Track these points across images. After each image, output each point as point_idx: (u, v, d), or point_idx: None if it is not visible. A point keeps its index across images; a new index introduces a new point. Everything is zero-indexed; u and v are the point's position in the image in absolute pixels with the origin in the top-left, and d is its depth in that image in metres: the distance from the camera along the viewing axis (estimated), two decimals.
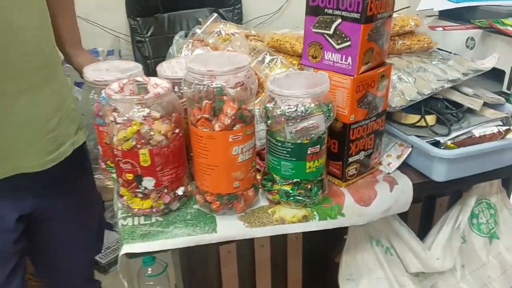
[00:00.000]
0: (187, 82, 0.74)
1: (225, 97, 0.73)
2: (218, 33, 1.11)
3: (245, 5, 2.26)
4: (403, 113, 0.97)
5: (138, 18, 2.13)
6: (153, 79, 0.81)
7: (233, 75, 0.73)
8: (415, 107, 0.96)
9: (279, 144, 0.78)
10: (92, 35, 2.11)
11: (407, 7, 1.30)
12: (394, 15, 1.11)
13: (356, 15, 0.76)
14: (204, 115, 0.74)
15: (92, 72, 0.87)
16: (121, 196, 0.82)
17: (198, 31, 1.11)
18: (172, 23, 2.20)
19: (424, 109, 0.96)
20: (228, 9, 2.24)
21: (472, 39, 1.24)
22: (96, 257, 1.88)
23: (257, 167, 0.89)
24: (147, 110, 0.74)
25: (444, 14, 1.35)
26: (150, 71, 2.11)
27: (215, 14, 1.15)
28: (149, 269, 1.22)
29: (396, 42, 1.08)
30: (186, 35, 1.21)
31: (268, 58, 1.03)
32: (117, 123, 0.75)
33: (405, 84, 0.96)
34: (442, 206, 1.17)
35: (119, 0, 2.08)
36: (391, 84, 0.95)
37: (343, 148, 0.85)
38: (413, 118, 0.96)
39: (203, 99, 0.74)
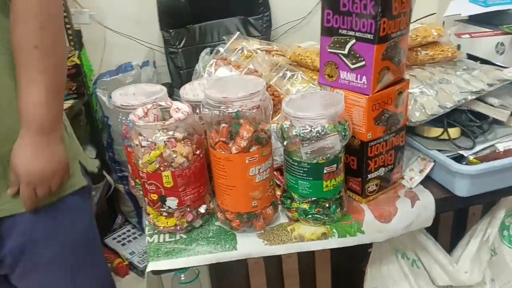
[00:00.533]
0: (205, 107, 0.78)
1: (241, 120, 0.76)
2: (241, 50, 1.14)
3: (274, 12, 2.28)
4: (425, 126, 0.96)
5: (171, 30, 2.19)
6: (175, 103, 0.85)
7: (249, 99, 0.75)
8: (438, 119, 0.94)
9: (296, 163, 0.80)
10: (128, 48, 2.20)
11: (433, 14, 1.28)
12: (417, 24, 1.10)
13: (369, 36, 0.77)
14: (221, 139, 0.77)
15: (120, 97, 0.93)
16: (148, 214, 0.87)
17: (221, 49, 1.15)
18: (203, 33, 2.25)
19: (447, 122, 0.94)
20: (257, 16, 2.26)
21: (502, 44, 1.20)
22: (134, 262, 1.97)
23: (278, 182, 0.91)
24: (170, 133, 0.79)
25: (474, 19, 1.32)
26: (183, 82, 2.17)
27: (238, 32, 1.18)
28: (182, 276, 1.27)
29: (419, 53, 1.07)
30: (211, 52, 1.25)
31: (288, 74, 1.04)
32: (142, 147, 0.80)
33: (427, 97, 0.95)
34: (475, 215, 1.14)
35: (152, 13, 2.16)
36: (412, 98, 0.95)
37: (362, 165, 0.86)
38: (435, 131, 0.95)
39: (221, 123, 0.77)
